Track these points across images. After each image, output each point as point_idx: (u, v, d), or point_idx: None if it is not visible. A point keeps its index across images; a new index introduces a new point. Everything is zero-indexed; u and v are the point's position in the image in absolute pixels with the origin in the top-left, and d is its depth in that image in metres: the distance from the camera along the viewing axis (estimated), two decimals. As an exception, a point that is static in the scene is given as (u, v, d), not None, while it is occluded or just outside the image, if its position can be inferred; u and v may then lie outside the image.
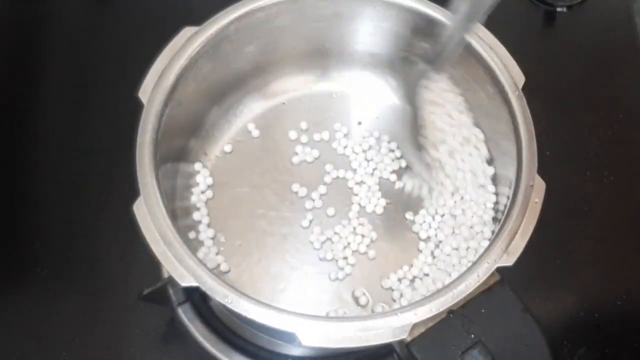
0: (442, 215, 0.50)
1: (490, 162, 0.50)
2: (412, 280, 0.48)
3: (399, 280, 0.48)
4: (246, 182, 0.51)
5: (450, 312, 0.37)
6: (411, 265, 0.48)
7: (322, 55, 0.54)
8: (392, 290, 0.47)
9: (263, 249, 0.49)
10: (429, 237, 0.49)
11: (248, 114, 0.53)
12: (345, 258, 0.48)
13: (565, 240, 0.53)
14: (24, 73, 0.60)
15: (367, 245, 0.49)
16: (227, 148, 0.52)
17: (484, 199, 0.49)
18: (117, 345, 0.48)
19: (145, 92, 0.43)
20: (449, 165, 0.50)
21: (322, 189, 0.51)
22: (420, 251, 0.49)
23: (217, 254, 0.48)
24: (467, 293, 0.37)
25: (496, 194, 0.49)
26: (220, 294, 0.36)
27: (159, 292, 0.43)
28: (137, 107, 0.43)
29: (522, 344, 0.36)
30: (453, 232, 0.49)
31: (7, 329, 0.48)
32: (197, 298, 0.48)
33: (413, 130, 0.47)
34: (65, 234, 0.52)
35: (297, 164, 0.52)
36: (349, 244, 0.49)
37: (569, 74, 0.61)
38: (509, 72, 0.45)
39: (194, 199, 0.50)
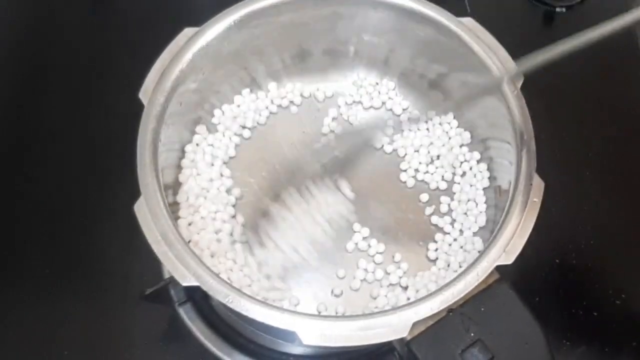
0: (442, 217, 0.50)
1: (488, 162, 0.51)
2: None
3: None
4: (246, 182, 0.51)
5: (450, 310, 0.37)
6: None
7: (322, 55, 0.54)
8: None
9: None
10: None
11: (248, 115, 0.53)
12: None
13: (565, 240, 0.53)
14: (24, 73, 0.60)
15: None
16: (227, 149, 0.52)
17: (482, 198, 0.50)
18: (118, 344, 0.48)
19: (145, 93, 0.43)
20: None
21: (325, 189, 0.51)
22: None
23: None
24: (466, 291, 0.37)
25: (495, 192, 0.49)
26: (222, 294, 0.37)
27: (160, 291, 0.43)
28: (137, 108, 0.43)
29: (522, 342, 0.37)
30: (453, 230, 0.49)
31: (8, 329, 0.48)
32: (198, 297, 0.48)
33: None
34: (66, 233, 0.52)
35: (296, 165, 0.52)
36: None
37: (569, 73, 0.61)
38: (507, 71, 0.45)
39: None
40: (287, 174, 0.51)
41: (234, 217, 0.49)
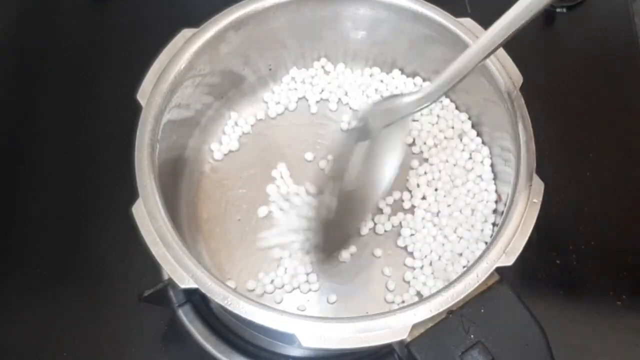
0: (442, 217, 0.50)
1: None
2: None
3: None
4: (246, 182, 0.51)
5: (449, 312, 0.37)
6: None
7: (320, 56, 0.54)
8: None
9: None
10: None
11: (247, 116, 0.53)
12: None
13: (565, 240, 0.53)
14: (23, 74, 0.60)
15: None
16: (226, 150, 0.52)
17: (482, 198, 0.49)
18: (117, 346, 0.48)
19: (143, 94, 0.43)
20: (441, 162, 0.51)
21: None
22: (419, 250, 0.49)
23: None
24: (466, 293, 0.37)
25: (495, 193, 0.49)
26: (220, 296, 0.36)
27: (159, 293, 0.43)
28: (135, 109, 0.43)
29: (522, 344, 0.36)
30: (454, 231, 0.49)
31: (7, 330, 0.48)
32: (197, 299, 0.48)
33: None
34: (65, 234, 0.52)
35: (297, 164, 0.52)
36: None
37: (569, 74, 0.61)
38: (507, 72, 0.45)
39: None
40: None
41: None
